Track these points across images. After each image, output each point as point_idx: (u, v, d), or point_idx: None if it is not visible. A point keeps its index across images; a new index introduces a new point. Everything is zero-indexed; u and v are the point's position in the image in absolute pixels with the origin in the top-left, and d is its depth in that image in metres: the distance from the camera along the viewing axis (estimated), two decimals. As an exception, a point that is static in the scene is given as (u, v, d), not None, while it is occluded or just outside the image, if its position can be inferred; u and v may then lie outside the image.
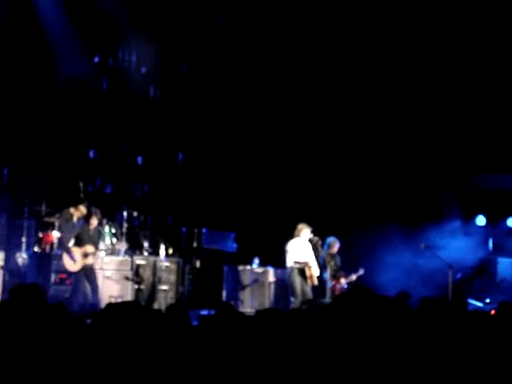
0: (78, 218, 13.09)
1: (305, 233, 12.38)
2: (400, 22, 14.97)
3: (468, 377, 4.24)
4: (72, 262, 11.64)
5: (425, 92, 15.68)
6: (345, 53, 15.47)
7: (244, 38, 15.36)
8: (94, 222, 12.01)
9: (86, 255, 11.69)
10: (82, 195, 13.37)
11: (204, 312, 11.91)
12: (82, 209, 13.16)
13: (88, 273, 11.75)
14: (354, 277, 13.07)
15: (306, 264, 12.21)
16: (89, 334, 4.20)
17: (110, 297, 11.85)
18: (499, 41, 14.82)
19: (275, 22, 15.20)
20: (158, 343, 4.14)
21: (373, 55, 15.46)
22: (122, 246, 12.97)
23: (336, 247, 12.92)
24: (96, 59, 15.44)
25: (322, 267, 12.42)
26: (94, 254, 11.77)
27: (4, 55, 14.12)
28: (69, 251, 11.65)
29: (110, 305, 4.55)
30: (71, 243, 11.71)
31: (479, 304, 13.19)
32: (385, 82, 15.72)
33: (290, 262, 12.26)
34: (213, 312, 6.86)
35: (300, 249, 12.31)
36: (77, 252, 11.66)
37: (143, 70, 15.97)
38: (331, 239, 12.91)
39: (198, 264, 14.19)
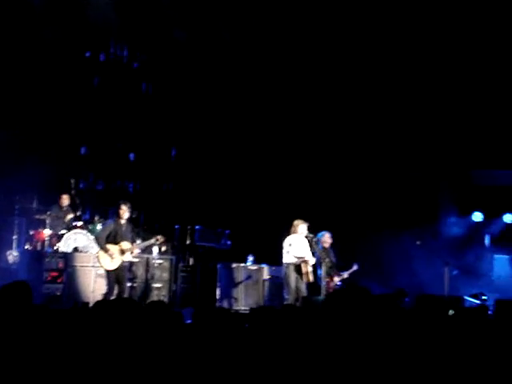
0: (65, 207, 13.11)
1: (302, 228, 12.28)
2: (401, 17, 14.93)
3: (464, 374, 4.21)
4: (110, 260, 11.26)
5: (422, 89, 15.66)
6: (344, 48, 15.44)
7: (237, 32, 15.25)
8: (125, 215, 11.44)
9: (122, 252, 11.31)
10: (73, 192, 13.34)
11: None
12: (65, 197, 13.25)
13: (120, 274, 11.35)
14: (346, 274, 12.99)
15: (304, 260, 12.11)
16: (81, 331, 4.17)
17: (103, 294, 11.70)
18: (497, 38, 14.78)
19: (274, 20, 15.13)
20: (151, 340, 4.13)
21: (371, 53, 15.43)
22: (158, 239, 12.25)
23: (328, 240, 12.82)
24: (87, 54, 15.32)
25: (317, 264, 12.34)
26: (130, 250, 11.41)
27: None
28: (105, 249, 11.24)
29: (101, 302, 4.48)
30: (104, 241, 11.30)
31: (475, 301, 13.11)
32: (382, 81, 15.70)
33: (287, 258, 12.14)
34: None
35: (299, 245, 12.21)
36: (114, 249, 11.28)
37: (135, 64, 15.89)
38: (322, 233, 12.82)
39: (191, 261, 14.11)
